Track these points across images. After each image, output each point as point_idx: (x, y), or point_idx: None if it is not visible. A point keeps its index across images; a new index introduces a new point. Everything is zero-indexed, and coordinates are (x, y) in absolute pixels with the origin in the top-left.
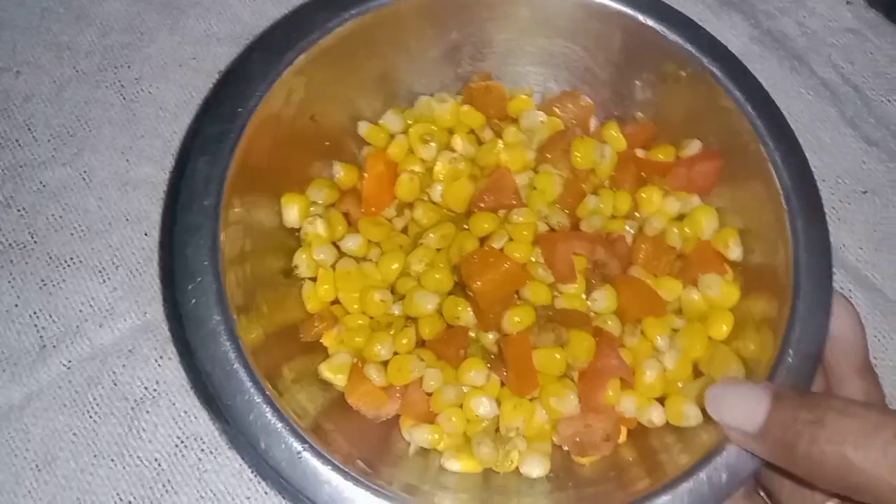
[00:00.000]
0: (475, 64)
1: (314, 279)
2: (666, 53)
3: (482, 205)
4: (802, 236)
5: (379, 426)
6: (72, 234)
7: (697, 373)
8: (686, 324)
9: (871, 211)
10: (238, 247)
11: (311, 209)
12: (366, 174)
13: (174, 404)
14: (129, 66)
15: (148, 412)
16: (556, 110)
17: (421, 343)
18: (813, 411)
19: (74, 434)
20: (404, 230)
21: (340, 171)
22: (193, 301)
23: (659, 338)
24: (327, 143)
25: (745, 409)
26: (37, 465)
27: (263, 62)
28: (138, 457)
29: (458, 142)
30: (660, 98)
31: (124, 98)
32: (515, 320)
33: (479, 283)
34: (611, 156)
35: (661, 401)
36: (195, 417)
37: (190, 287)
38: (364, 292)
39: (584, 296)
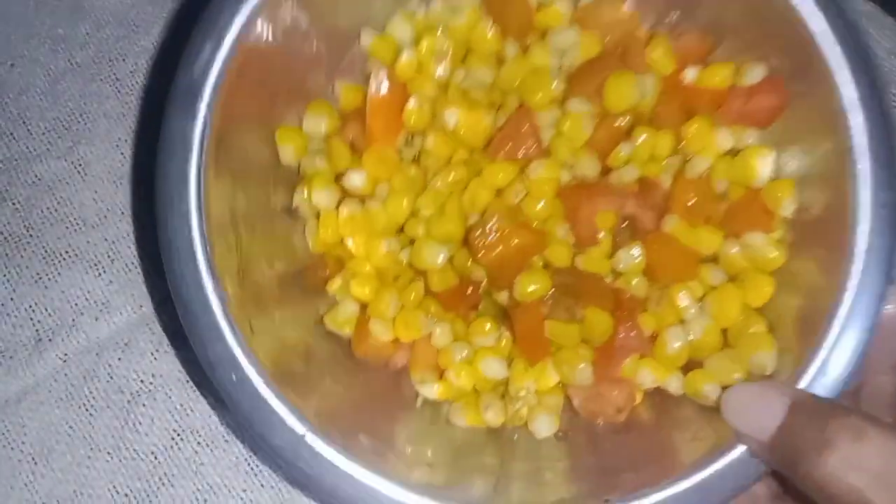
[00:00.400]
0: None
1: (318, 216)
2: None
3: (499, 151)
4: (869, 198)
5: (389, 375)
6: (67, 228)
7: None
8: (719, 286)
9: None
10: (228, 205)
11: (311, 143)
12: (369, 101)
13: (170, 397)
14: (123, 59)
15: (144, 405)
16: (593, 22)
17: (430, 291)
18: (824, 429)
19: (71, 427)
20: (415, 160)
21: (341, 94)
22: (183, 285)
23: (687, 305)
24: (326, 61)
25: (757, 416)
26: (33, 459)
27: None
28: (134, 450)
29: (475, 68)
30: (718, 7)
31: (119, 91)
32: (528, 289)
33: (487, 259)
34: (653, 88)
35: (683, 367)
36: (191, 410)
37: (178, 269)
38: (369, 238)
39: (608, 257)
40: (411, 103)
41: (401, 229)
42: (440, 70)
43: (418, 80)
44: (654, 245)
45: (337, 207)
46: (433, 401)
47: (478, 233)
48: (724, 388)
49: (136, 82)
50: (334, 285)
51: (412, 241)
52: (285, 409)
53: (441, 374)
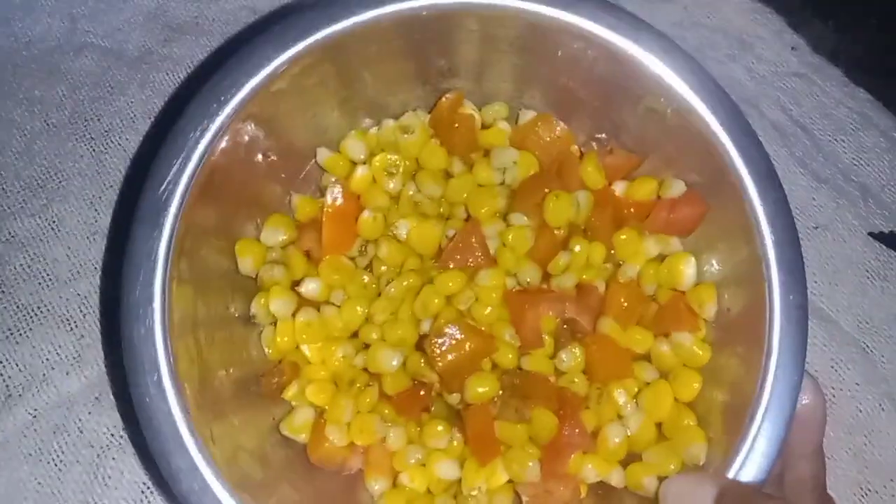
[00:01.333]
0: (446, 80)
1: (274, 324)
2: (650, 86)
3: (449, 261)
4: (780, 301)
5: (343, 480)
6: (40, 284)
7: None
8: (651, 383)
9: (823, 246)
10: (190, 315)
11: (269, 254)
12: (325, 213)
13: (140, 450)
14: (98, 119)
15: (114, 459)
16: (531, 142)
17: (384, 396)
18: None
19: (39, 483)
20: (368, 267)
21: (297, 207)
22: (147, 396)
23: (624, 402)
24: (283, 176)
25: None
26: None
27: (202, 113)
28: None
29: (424, 183)
30: (643, 129)
31: (94, 150)
32: (478, 391)
33: (441, 364)
34: (587, 201)
35: (623, 461)
36: None
37: (142, 380)
38: (325, 344)
39: (551, 357)
40: (365, 214)
41: (355, 335)
42: (392, 184)
43: (372, 193)
44: (591, 346)
45: (293, 315)
46: None
47: (433, 340)
48: (662, 478)
49: (111, 141)
50: (290, 392)
51: (366, 346)
52: None
53: (395, 479)
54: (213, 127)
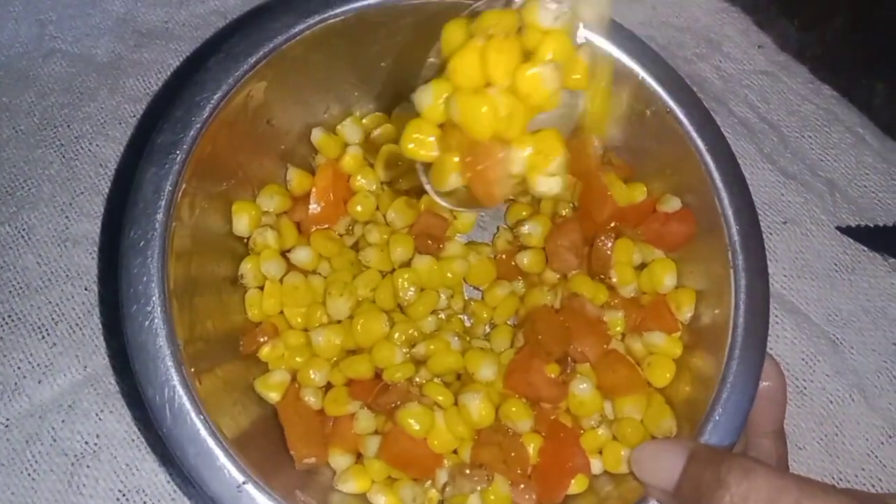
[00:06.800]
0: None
1: (260, 287)
2: (632, 89)
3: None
4: (744, 295)
5: None
6: (10, 292)
7: None
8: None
9: (793, 240)
10: (186, 262)
11: (263, 218)
12: (314, 188)
13: (115, 457)
14: (68, 125)
15: (88, 467)
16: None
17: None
18: (717, 471)
19: (13, 493)
20: (354, 247)
21: (293, 178)
22: (137, 324)
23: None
24: (283, 147)
25: (661, 468)
26: None
27: (220, 69)
28: None
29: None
30: (629, 138)
31: (64, 156)
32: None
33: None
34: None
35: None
36: (137, 469)
37: (135, 309)
38: (309, 309)
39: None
40: (359, 195)
41: None
42: (389, 174)
43: (365, 175)
44: (602, 367)
45: (280, 280)
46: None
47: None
48: None
49: (81, 147)
50: (265, 351)
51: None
52: (227, 460)
53: (358, 455)
54: (229, 80)
